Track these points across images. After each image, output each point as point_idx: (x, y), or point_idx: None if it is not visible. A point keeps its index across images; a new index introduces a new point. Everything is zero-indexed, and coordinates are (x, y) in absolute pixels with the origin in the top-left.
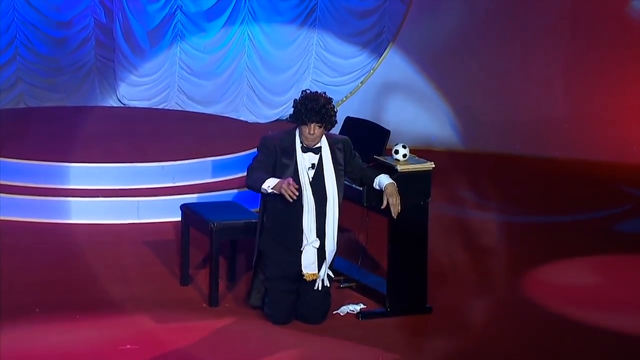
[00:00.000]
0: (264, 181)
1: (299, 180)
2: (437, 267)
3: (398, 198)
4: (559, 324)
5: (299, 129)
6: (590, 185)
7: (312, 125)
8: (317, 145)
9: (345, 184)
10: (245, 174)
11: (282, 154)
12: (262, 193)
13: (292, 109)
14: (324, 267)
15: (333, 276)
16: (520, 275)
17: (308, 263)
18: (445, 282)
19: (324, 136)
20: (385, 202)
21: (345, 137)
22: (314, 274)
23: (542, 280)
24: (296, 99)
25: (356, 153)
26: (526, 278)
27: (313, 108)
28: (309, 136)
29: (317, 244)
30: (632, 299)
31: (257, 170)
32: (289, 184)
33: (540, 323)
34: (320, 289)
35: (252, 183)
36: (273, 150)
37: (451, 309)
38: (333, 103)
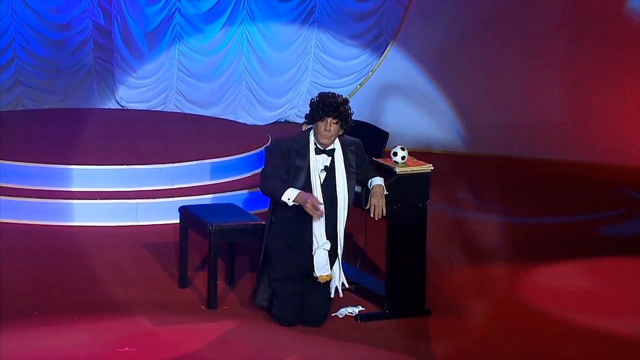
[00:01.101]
0: (284, 192)
1: (311, 182)
2: (435, 269)
3: (382, 200)
4: (557, 326)
5: (314, 127)
6: (588, 187)
7: (329, 120)
8: (330, 147)
9: None
10: (246, 175)
11: (296, 156)
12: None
13: (309, 108)
14: (340, 271)
15: (347, 285)
16: (519, 277)
17: (321, 265)
18: (444, 284)
19: (337, 139)
20: (369, 203)
21: (357, 139)
22: (328, 275)
23: (540, 282)
24: (313, 99)
25: (366, 156)
26: (524, 280)
27: (331, 103)
28: (325, 133)
29: (328, 246)
30: (629, 302)
31: (273, 177)
32: (315, 207)
33: (539, 326)
34: (341, 295)
35: (270, 191)
36: (287, 152)
37: (450, 311)
38: (350, 105)
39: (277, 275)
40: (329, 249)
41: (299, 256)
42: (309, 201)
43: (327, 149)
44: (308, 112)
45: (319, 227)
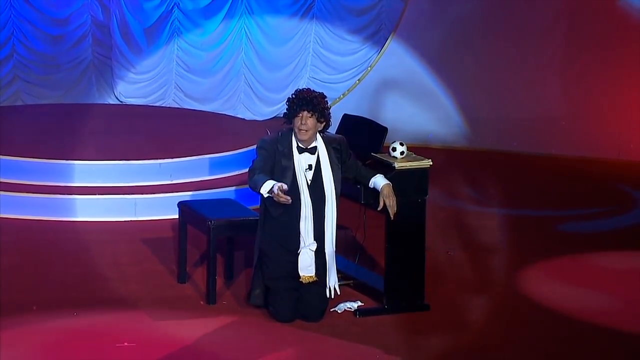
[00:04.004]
0: (262, 185)
1: (297, 183)
2: (434, 264)
3: (395, 199)
4: (556, 321)
5: (293, 125)
6: (587, 182)
7: (304, 114)
8: (312, 145)
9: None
10: (245, 171)
11: (281, 155)
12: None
13: (286, 107)
14: (332, 274)
15: (338, 286)
16: (518, 271)
17: (305, 266)
18: (443, 280)
19: (319, 137)
20: (382, 204)
21: (341, 136)
22: (310, 277)
23: (540, 277)
24: (289, 96)
25: (352, 152)
26: (524, 275)
27: (304, 97)
28: (301, 127)
29: (314, 247)
30: (629, 296)
31: (257, 173)
32: (277, 194)
33: (538, 320)
34: (332, 297)
35: (253, 186)
36: (272, 152)
37: (449, 306)
38: (327, 100)
39: (271, 273)
40: (314, 250)
41: (292, 255)
42: (275, 191)
43: (309, 147)
44: (285, 110)
45: (305, 227)
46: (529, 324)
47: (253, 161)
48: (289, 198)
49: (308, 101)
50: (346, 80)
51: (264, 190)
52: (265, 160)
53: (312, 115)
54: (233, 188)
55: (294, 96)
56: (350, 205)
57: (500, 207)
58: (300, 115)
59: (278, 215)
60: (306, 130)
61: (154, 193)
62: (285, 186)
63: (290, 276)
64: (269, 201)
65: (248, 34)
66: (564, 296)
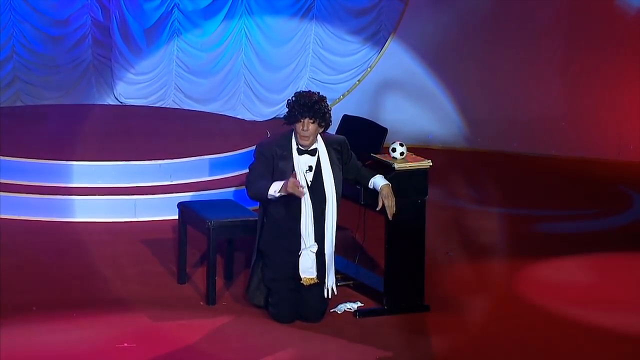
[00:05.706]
0: (269, 188)
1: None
2: (434, 264)
3: (393, 199)
4: (555, 322)
5: (294, 129)
6: (587, 183)
7: (306, 120)
8: (312, 147)
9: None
10: (245, 171)
11: (280, 158)
12: (269, 200)
13: (286, 109)
14: (330, 274)
15: (336, 287)
16: (518, 272)
17: (306, 267)
18: (443, 280)
19: (320, 137)
20: (380, 204)
21: (342, 137)
22: (311, 278)
23: (539, 277)
24: (289, 99)
25: (353, 153)
26: (523, 275)
27: (305, 103)
28: (303, 133)
29: (315, 248)
30: (628, 298)
31: (258, 180)
32: (294, 184)
33: (537, 321)
34: (330, 297)
35: (257, 193)
36: (270, 156)
37: (448, 307)
38: (327, 102)
39: (272, 274)
40: (315, 251)
41: (293, 256)
42: (289, 184)
43: (309, 149)
44: (286, 113)
45: (306, 229)
46: (528, 325)
47: (250, 168)
48: (303, 190)
49: (309, 107)
50: (346, 81)
51: (273, 190)
52: (263, 167)
53: (314, 121)
54: (233, 189)
55: (294, 100)
56: (350, 205)
57: (500, 207)
58: (302, 121)
59: (279, 216)
60: (308, 136)
61: (153, 194)
62: (305, 189)
63: (290, 277)
64: (272, 203)
65: (248, 34)
66: (563, 297)
